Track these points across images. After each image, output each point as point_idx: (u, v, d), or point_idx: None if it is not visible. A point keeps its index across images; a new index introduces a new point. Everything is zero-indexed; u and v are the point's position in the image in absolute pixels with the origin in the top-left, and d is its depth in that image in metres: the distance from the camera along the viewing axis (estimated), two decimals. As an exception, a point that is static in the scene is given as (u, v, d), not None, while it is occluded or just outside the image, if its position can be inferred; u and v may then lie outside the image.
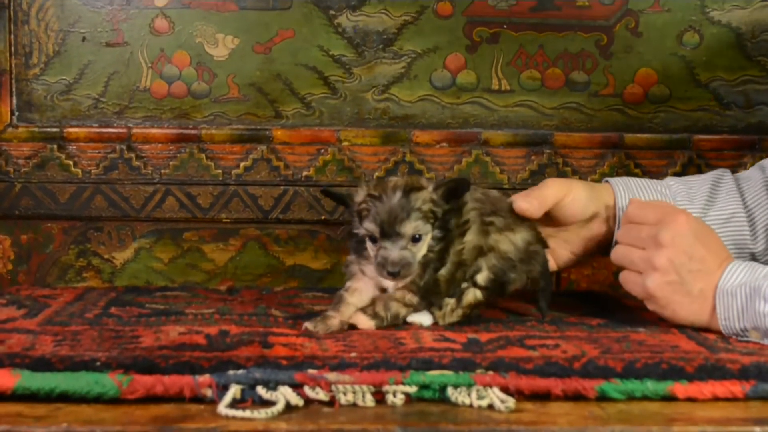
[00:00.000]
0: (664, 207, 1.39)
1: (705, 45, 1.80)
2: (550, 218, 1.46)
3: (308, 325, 1.30)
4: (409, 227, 1.30)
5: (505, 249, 1.38)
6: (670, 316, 1.34)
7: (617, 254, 1.39)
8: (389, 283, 1.35)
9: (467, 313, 1.38)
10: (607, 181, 1.52)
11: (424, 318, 1.37)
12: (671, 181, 1.53)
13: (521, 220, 1.42)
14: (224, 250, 1.80)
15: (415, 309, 1.35)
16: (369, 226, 1.31)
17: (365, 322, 1.32)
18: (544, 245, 1.44)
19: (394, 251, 1.30)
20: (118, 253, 1.80)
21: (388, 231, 1.30)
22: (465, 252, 1.36)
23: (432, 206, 1.32)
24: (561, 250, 1.50)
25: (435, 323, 1.37)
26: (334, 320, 1.31)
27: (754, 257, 1.52)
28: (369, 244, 1.33)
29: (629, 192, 1.49)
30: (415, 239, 1.31)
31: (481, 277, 1.38)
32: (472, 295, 1.38)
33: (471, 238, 1.37)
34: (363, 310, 1.34)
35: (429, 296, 1.35)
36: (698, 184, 1.53)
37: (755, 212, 1.50)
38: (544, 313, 1.44)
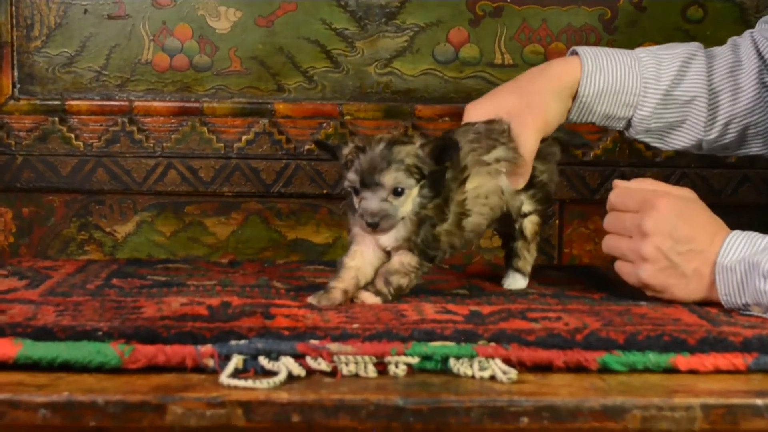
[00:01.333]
0: (644, 193, 1.36)
1: (709, 19, 1.79)
2: None
3: (311, 299, 1.30)
4: (389, 178, 1.28)
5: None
6: (670, 299, 1.33)
7: (607, 245, 1.38)
8: (384, 241, 1.32)
9: (538, 240, 1.44)
10: (575, 52, 1.48)
11: (518, 282, 1.44)
12: (642, 53, 1.49)
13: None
14: (226, 223, 1.80)
15: (417, 272, 1.33)
16: (351, 176, 1.30)
17: (370, 299, 1.31)
18: (553, 143, 1.47)
19: (373, 202, 1.28)
20: (120, 226, 1.80)
21: (368, 181, 1.28)
22: (468, 202, 1.34)
23: (416, 161, 1.29)
24: None
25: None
26: (337, 292, 1.30)
27: (700, 146, 1.52)
28: (354, 198, 1.31)
29: (599, 72, 1.45)
30: (397, 192, 1.28)
31: (527, 206, 1.41)
32: (530, 223, 1.42)
33: (475, 185, 1.35)
34: (365, 287, 1.32)
35: (429, 253, 1.33)
36: (669, 59, 1.49)
37: (720, 98, 1.49)
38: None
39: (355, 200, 1.31)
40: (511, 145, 1.39)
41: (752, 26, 1.59)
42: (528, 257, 1.45)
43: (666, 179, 1.78)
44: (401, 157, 1.28)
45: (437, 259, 1.35)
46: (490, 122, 1.41)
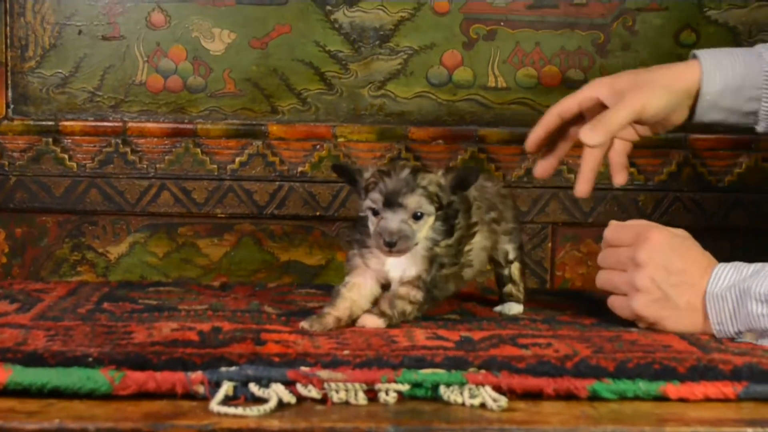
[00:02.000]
0: (637, 227, 1.37)
1: (702, 44, 1.79)
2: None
3: (304, 324, 1.30)
4: (412, 201, 1.31)
5: (505, 229, 1.47)
6: (663, 331, 1.33)
7: (601, 280, 1.40)
8: (394, 273, 1.34)
9: (524, 276, 1.50)
10: (695, 56, 1.49)
11: (513, 308, 1.48)
12: (762, 49, 1.49)
13: (504, 195, 1.48)
14: (219, 245, 1.80)
15: (420, 307, 1.35)
16: (374, 196, 1.32)
17: (374, 322, 1.32)
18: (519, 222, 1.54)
19: (394, 222, 1.30)
20: (113, 247, 1.80)
21: (391, 201, 1.30)
22: (472, 253, 1.39)
23: (438, 190, 1.33)
24: (640, 129, 1.51)
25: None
26: (330, 318, 1.31)
27: None
28: (371, 219, 1.33)
29: (719, 69, 1.46)
30: (417, 216, 1.31)
31: (512, 254, 1.48)
32: (515, 269, 1.48)
33: (479, 240, 1.40)
34: (369, 311, 1.33)
35: (434, 293, 1.36)
36: None
37: None
38: None
39: (372, 222, 1.33)
40: (499, 206, 1.46)
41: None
42: (520, 291, 1.50)
43: (658, 203, 1.80)
44: (425, 183, 1.32)
45: (439, 300, 1.39)
46: (488, 180, 1.48)
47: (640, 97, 1.44)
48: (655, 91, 1.45)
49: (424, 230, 1.33)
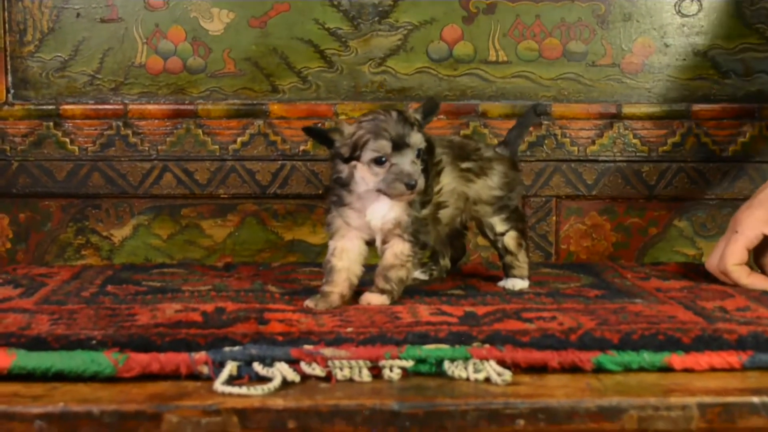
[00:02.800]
0: None
1: (703, 13, 1.78)
2: None
3: (309, 303, 1.31)
4: (416, 138, 1.31)
5: (488, 195, 1.44)
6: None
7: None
8: (375, 222, 1.33)
9: (525, 246, 1.48)
10: None
11: (517, 284, 1.46)
12: None
13: (491, 158, 1.46)
14: (222, 226, 1.80)
15: (412, 261, 1.34)
16: (379, 144, 1.29)
17: (378, 299, 1.32)
18: (516, 169, 1.50)
19: (407, 163, 1.30)
20: (117, 230, 1.80)
21: (399, 143, 1.30)
22: (443, 194, 1.38)
23: (419, 124, 1.33)
24: None
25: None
26: (335, 296, 1.31)
27: None
28: (373, 170, 1.31)
29: None
30: (418, 154, 1.31)
31: (500, 226, 1.45)
32: (510, 239, 1.46)
33: (448, 180, 1.39)
34: (370, 290, 1.33)
35: (420, 238, 1.34)
36: None
37: None
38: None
39: (376, 172, 1.31)
40: (478, 161, 1.44)
41: (748, 19, 1.58)
42: (520, 264, 1.47)
43: (662, 173, 1.79)
44: (413, 120, 1.32)
45: (428, 246, 1.37)
46: (466, 137, 1.49)
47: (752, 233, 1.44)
48: None
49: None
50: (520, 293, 1.41)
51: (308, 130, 1.36)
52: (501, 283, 1.47)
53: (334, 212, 1.36)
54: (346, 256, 1.34)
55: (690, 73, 1.79)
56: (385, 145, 1.30)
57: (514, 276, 1.47)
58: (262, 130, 1.78)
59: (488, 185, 1.44)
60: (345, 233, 1.35)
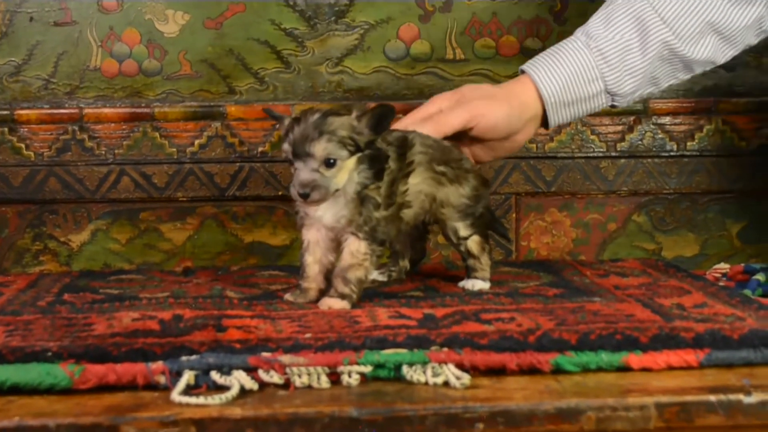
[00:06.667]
0: None
1: (658, 8, 1.79)
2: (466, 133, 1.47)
3: (289, 296, 1.34)
4: (319, 148, 1.27)
5: (457, 201, 1.43)
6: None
7: None
8: (327, 220, 1.32)
9: (488, 250, 1.47)
10: (522, 71, 1.51)
11: (478, 285, 1.45)
12: (579, 32, 1.51)
13: (467, 169, 1.44)
14: (182, 229, 1.79)
15: (371, 259, 1.32)
16: (285, 146, 1.30)
17: (338, 304, 1.31)
18: (487, 186, 1.48)
19: (305, 172, 1.28)
20: (75, 235, 1.78)
21: (299, 151, 1.28)
22: (410, 194, 1.37)
23: (351, 132, 1.29)
24: (481, 153, 1.51)
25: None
26: (312, 292, 1.34)
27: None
28: (292, 170, 1.31)
29: (548, 70, 1.48)
30: (329, 163, 1.28)
31: (464, 231, 1.44)
32: (473, 243, 1.45)
33: (417, 181, 1.37)
34: (329, 295, 1.32)
35: (377, 236, 1.32)
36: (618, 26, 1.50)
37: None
38: (507, 237, 1.62)
39: (292, 169, 1.31)
40: (456, 169, 1.42)
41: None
42: (483, 266, 1.46)
43: (621, 169, 1.80)
44: (334, 128, 1.28)
45: (386, 243, 1.35)
46: (452, 143, 1.44)
47: (477, 104, 1.45)
48: (495, 102, 1.46)
49: (342, 176, 1.29)
50: (479, 294, 1.40)
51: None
52: (462, 284, 1.47)
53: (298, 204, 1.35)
54: (317, 248, 1.35)
55: (646, 68, 1.80)
56: (287, 150, 1.30)
57: (476, 278, 1.46)
58: (219, 132, 1.77)
59: (459, 192, 1.42)
60: (310, 224, 1.34)
